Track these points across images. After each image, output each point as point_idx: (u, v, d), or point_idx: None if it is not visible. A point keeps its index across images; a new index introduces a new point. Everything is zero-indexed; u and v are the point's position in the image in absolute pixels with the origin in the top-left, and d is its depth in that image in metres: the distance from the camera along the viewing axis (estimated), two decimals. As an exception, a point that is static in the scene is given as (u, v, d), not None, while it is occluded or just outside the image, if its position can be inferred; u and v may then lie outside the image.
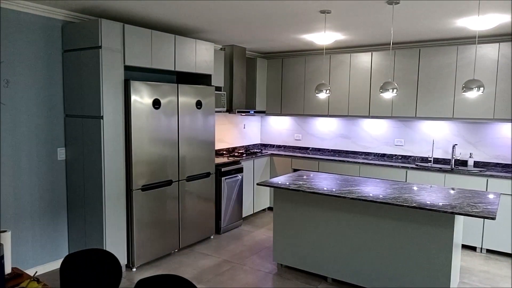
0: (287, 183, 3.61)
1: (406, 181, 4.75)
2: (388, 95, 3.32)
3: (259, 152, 5.90)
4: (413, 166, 4.77)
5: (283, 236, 3.75)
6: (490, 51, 4.40)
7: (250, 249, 4.36)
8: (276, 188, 3.58)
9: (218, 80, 5.11)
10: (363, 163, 5.07)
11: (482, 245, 4.34)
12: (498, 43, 4.36)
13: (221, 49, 5.38)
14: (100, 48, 3.44)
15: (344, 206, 3.39)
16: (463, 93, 3.10)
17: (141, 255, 3.82)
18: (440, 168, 4.60)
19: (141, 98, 3.74)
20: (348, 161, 5.19)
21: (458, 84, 4.60)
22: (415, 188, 3.51)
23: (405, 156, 5.32)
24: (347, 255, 3.41)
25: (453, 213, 2.70)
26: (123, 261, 3.72)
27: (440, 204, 2.90)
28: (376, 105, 5.18)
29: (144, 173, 3.80)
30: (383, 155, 5.49)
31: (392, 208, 3.15)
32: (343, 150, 5.83)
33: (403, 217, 3.11)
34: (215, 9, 3.53)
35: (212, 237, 4.72)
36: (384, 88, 3.31)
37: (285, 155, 5.76)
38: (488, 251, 4.35)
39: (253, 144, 6.49)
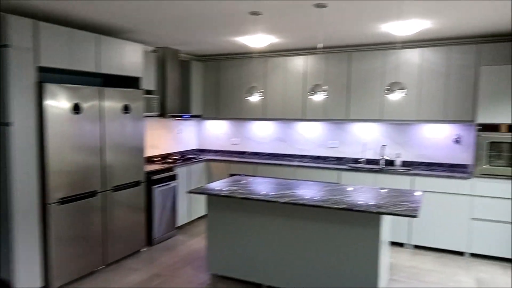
0: (221, 189, 3.49)
1: (339, 182, 4.85)
2: (318, 97, 3.33)
3: (195, 157, 5.72)
4: (346, 167, 4.88)
5: (217, 244, 3.62)
6: (413, 55, 4.64)
7: (184, 260, 4.17)
8: (208, 195, 3.45)
9: (149, 83, 4.87)
10: (298, 166, 5.10)
11: (409, 241, 4.54)
12: (420, 48, 4.61)
13: (153, 51, 5.14)
14: (7, 47, 3.08)
15: (277, 211, 3.34)
16: (386, 95, 3.20)
17: (60, 275, 3.48)
18: (371, 168, 4.76)
19: (58, 102, 3.42)
20: (284, 165, 5.19)
21: (384, 89, 4.79)
22: (346, 189, 3.56)
23: (339, 157, 5.44)
24: (282, 261, 3.36)
25: (379, 213, 2.75)
26: (36, 283, 3.35)
27: (367, 204, 2.95)
28: (310, 108, 5.24)
29: (63, 185, 3.47)
30: (318, 157, 5.58)
31: (323, 210, 3.15)
32: (280, 154, 5.84)
33: (334, 219, 3.13)
34: (138, 9, 3.33)
35: (143, 249, 4.45)
36: (313, 90, 3.32)
37: (222, 160, 5.64)
38: (415, 246, 4.55)
39: (189, 150, 6.29)
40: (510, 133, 4.01)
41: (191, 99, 5.75)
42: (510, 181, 4.04)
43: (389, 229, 3.66)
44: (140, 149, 4.31)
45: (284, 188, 3.62)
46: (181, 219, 5.21)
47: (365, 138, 5.26)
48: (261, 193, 3.37)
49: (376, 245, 2.98)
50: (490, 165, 4.11)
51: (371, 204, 2.95)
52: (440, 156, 4.88)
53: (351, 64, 4.97)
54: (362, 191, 3.49)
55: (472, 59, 4.37)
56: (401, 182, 4.52)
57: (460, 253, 4.35)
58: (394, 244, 4.62)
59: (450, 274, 3.83)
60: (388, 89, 3.03)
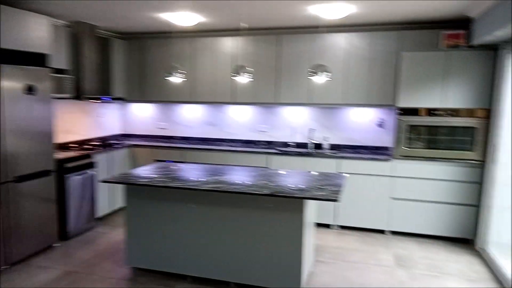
0: (140, 177, 3.23)
1: (268, 167, 4.80)
2: (242, 79, 3.18)
3: (118, 143, 5.33)
4: (275, 151, 4.84)
5: (137, 236, 3.38)
6: (340, 40, 4.67)
7: (103, 254, 3.86)
8: (124, 184, 3.17)
9: (61, 61, 4.37)
10: (228, 150, 4.96)
11: (335, 222, 4.65)
12: (347, 33, 4.64)
13: (66, 26, 4.61)
14: None
15: (199, 199, 3.18)
16: (311, 77, 3.14)
17: (-51, 280, 3.02)
18: (299, 152, 4.76)
19: None
20: (213, 149, 5.02)
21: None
22: (272, 174, 3.49)
23: (269, 141, 5.39)
24: (206, 250, 3.22)
25: (301, 198, 2.71)
26: None
27: (290, 189, 2.90)
28: (239, 91, 5.09)
29: None
30: (249, 141, 5.48)
31: (247, 196, 3.05)
32: (210, 138, 5.65)
33: (258, 205, 3.04)
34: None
35: (56, 245, 4.05)
36: (236, 71, 3.16)
37: (147, 145, 5.31)
38: (341, 227, 4.68)
39: (112, 135, 5.85)
40: (426, 117, 4.21)
41: (112, 80, 5.31)
42: (426, 162, 4.26)
43: (315, 211, 3.68)
44: (48, 134, 3.86)
45: (210, 174, 3.45)
46: (102, 210, 4.84)
47: (294, 122, 5.26)
48: (184, 180, 3.18)
49: (300, 229, 2.95)
50: (409, 147, 4.30)
51: (294, 189, 2.90)
52: (365, 139, 5.02)
53: (280, 47, 4.89)
54: (288, 175, 3.44)
55: (394, 45, 4.50)
56: (328, 165, 4.58)
57: (382, 231, 4.54)
58: (321, 225, 4.70)
59: (372, 252, 3.98)
60: (312, 72, 2.96)
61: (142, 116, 5.96)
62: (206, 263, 3.23)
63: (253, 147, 5.16)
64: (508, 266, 3.37)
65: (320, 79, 3.02)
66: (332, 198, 2.64)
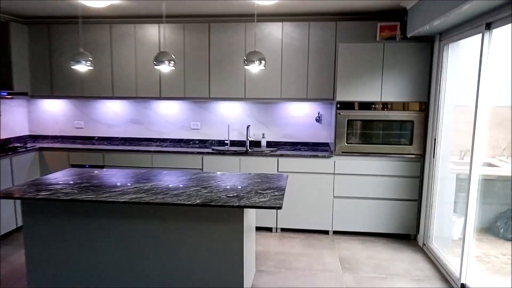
0: (43, 187, 2.61)
1: (202, 167, 4.35)
2: (165, 68, 2.70)
3: (22, 146, 4.51)
4: (209, 151, 4.39)
5: (40, 260, 2.75)
6: (275, 30, 4.34)
7: (4, 280, 3.14)
8: (14, 199, 2.54)
9: None
10: (156, 151, 4.41)
11: (277, 225, 4.35)
12: (282, 23, 4.33)
13: None
14: None
15: (116, 212, 2.64)
16: (245, 67, 2.76)
17: None
18: (236, 151, 4.37)
19: None
20: (139, 151, 4.44)
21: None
22: (205, 178, 3.05)
23: (203, 140, 4.94)
24: (129, 270, 2.70)
25: (239, 207, 2.31)
26: None
27: (227, 196, 2.49)
28: (167, 85, 4.56)
29: None
30: (180, 140, 4.97)
31: (175, 207, 2.58)
32: (136, 138, 5.04)
33: (189, 215, 2.59)
34: None
35: None
36: (158, 60, 2.68)
37: (61, 148, 4.57)
38: (282, 229, 4.38)
39: (17, 137, 4.98)
40: (365, 111, 4.05)
41: (12, 72, 4.47)
42: (367, 157, 4.11)
43: (255, 215, 3.31)
44: None
45: (133, 180, 2.92)
46: (5, 226, 4.04)
47: (230, 118, 4.86)
48: (100, 189, 2.62)
49: (240, 241, 2.56)
50: (349, 143, 4.12)
51: (231, 196, 2.50)
52: (304, 135, 4.78)
53: (211, 36, 4.44)
54: (224, 179, 3.03)
55: (332, 36, 4.28)
56: (267, 164, 4.25)
57: (326, 232, 4.32)
58: (262, 229, 4.36)
59: (317, 256, 3.72)
60: (247, 60, 2.58)
61: (54, 114, 5.15)
62: (129, 284, 2.71)
63: (185, 147, 4.66)
64: (455, 263, 3.29)
65: (255, 68, 2.66)
66: (275, 206, 2.28)
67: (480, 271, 3.48)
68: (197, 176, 3.13)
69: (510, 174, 4.14)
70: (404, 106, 4.00)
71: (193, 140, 4.95)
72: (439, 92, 3.69)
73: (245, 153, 4.30)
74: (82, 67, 2.88)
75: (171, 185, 2.79)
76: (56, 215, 2.69)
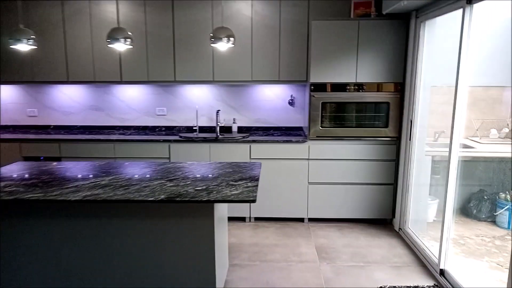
0: (-23, 189, 2.27)
1: (169, 157, 4.07)
2: (120, 46, 2.39)
3: (-34, 138, 4.06)
4: (177, 138, 4.11)
5: (-15, 269, 2.43)
6: (244, 7, 4.06)
7: None
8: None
9: None
10: (118, 140, 4.08)
11: (250, 215, 4.16)
12: (251, 1, 4.05)
13: None
14: None
15: (71, 212, 2.35)
16: (212, 45, 2.49)
17: None
18: (205, 138, 4.11)
19: None
20: (99, 140, 4.09)
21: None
22: (172, 169, 2.79)
23: (169, 126, 4.63)
24: (90, 274, 2.43)
25: (209, 202, 2.08)
26: None
27: (195, 190, 2.25)
28: (129, 68, 4.20)
29: None
30: (145, 127, 4.64)
31: (137, 204, 2.32)
32: (96, 126, 4.67)
33: (154, 212, 2.34)
34: None
35: None
36: (112, 37, 2.36)
37: (10, 139, 4.15)
38: (256, 219, 4.20)
39: (-40, 128, 4.50)
40: (339, 93, 3.87)
41: (-51, 55, 3.97)
42: (342, 141, 3.96)
43: (227, 207, 3.09)
44: None
45: (89, 174, 2.62)
46: None
47: (198, 102, 4.57)
48: (52, 185, 2.31)
49: (211, 237, 2.34)
50: (324, 127, 3.95)
51: (200, 190, 2.26)
52: (277, 120, 4.57)
53: (175, 13, 4.10)
54: (192, 169, 2.78)
55: (304, 14, 4.04)
56: (238, 151, 4.02)
57: (301, 220, 4.18)
58: (234, 219, 4.16)
59: (293, 246, 3.57)
60: (214, 37, 2.31)
61: (4, 101, 4.68)
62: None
63: (151, 135, 4.35)
64: (432, 248, 3.22)
65: (223, 45, 2.40)
66: (249, 199, 2.07)
67: (456, 254, 3.44)
68: (162, 167, 2.86)
69: (483, 155, 4.12)
70: (380, 87, 3.86)
71: (159, 127, 4.64)
72: (415, 72, 3.55)
73: (215, 140, 4.05)
74: (24, 47, 2.51)
75: (132, 179, 2.51)
76: (3, 217, 2.36)
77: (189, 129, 4.60)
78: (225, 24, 4.03)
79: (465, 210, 4.28)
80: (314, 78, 3.87)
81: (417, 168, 3.73)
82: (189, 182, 2.41)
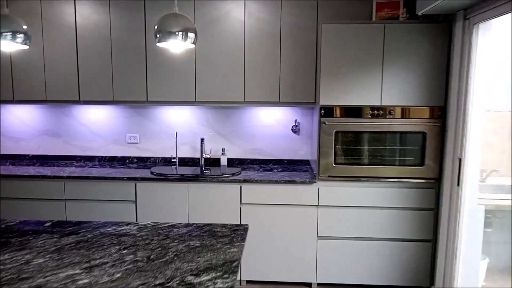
0: None
1: (136, 199, 3.12)
2: (9, 45, 1.47)
3: None
4: (147, 175, 3.16)
5: None
6: (236, 9, 3.16)
7: None
8: None
9: None
10: (69, 177, 3.14)
11: (240, 277, 3.16)
12: (244, 0, 3.17)
13: None
14: None
15: None
16: (158, 44, 1.57)
17: None
18: (183, 175, 3.15)
19: None
20: (48, 176, 3.16)
21: (199, 55, 3.22)
22: (105, 238, 1.82)
23: (143, 158, 3.70)
24: None
25: None
26: None
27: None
28: (89, 84, 3.31)
29: None
30: (112, 158, 3.71)
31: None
32: (52, 156, 3.75)
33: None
34: None
35: None
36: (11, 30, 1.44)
37: None
38: (249, 282, 3.20)
39: None
40: (357, 120, 2.93)
41: None
42: (362, 184, 2.99)
43: None
44: None
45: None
46: None
47: (178, 128, 3.64)
48: None
49: None
50: (337, 164, 2.98)
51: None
52: (277, 151, 3.62)
53: (147, 16, 3.22)
54: (137, 240, 1.81)
55: (311, 17, 3.14)
56: (226, 193, 3.07)
57: (308, 285, 3.17)
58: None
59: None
60: (160, 32, 1.39)
61: None
62: None
63: (118, 168, 3.42)
64: None
65: (177, 45, 1.49)
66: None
67: None
68: (92, 235, 1.89)
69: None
70: (412, 113, 2.90)
71: (129, 158, 3.71)
72: (465, 92, 2.60)
73: (196, 179, 3.09)
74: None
75: (30, 263, 1.55)
76: None
77: (167, 161, 3.66)
78: (212, 30, 3.13)
79: (522, 272, 3.26)
80: (325, 100, 2.93)
81: (467, 221, 2.74)
82: (117, 275, 1.43)
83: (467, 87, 2.57)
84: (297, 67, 3.19)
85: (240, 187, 3.06)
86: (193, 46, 1.72)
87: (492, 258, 3.30)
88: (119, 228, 1.89)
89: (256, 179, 3.05)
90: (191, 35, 1.54)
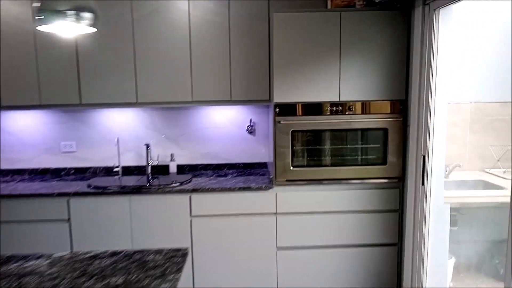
0: None
1: (69, 218, 2.72)
2: None
3: None
4: (81, 189, 2.77)
5: None
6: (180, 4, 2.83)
7: None
8: None
9: None
10: (-12, 196, 2.70)
11: (194, 298, 2.84)
12: (187, -13, 2.83)
13: None
14: None
15: None
16: (40, 27, 1.23)
17: None
18: (124, 187, 2.79)
19: None
20: (-39, 196, 2.69)
21: (139, 51, 2.86)
22: None
23: (81, 168, 3.28)
24: None
25: None
26: None
27: None
28: (11, 85, 2.86)
29: None
30: (45, 170, 3.27)
31: None
32: (-27, 171, 3.26)
33: None
34: None
35: None
36: None
37: None
38: (204, 302, 2.89)
39: None
40: (315, 117, 2.68)
41: None
42: (322, 187, 2.75)
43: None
44: None
45: None
46: None
47: (120, 133, 3.26)
48: None
49: None
50: (295, 166, 2.73)
51: None
52: (232, 154, 3.32)
53: (76, 6, 2.81)
54: (42, 281, 1.45)
55: (263, 6, 2.85)
56: (174, 205, 2.74)
57: (266, 300, 2.90)
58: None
59: None
60: (43, 10, 1.05)
61: None
62: None
63: (52, 181, 3.00)
64: None
65: (69, 27, 1.16)
66: None
67: None
68: None
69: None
70: (373, 108, 2.69)
71: (66, 169, 3.28)
72: (428, 83, 2.41)
73: (138, 191, 2.73)
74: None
75: None
76: None
77: (110, 170, 3.27)
78: (152, 22, 2.79)
79: (487, 268, 3.17)
80: (280, 97, 2.66)
81: (433, 220, 2.57)
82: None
83: (429, 78, 2.38)
84: (249, 62, 2.90)
85: (190, 198, 2.74)
86: (94, 30, 1.36)
87: (458, 257, 3.18)
88: (26, 264, 1.52)
89: (207, 187, 2.74)
90: (86, 15, 1.18)
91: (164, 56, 2.86)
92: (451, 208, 2.81)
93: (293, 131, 2.69)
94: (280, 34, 2.61)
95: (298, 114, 2.67)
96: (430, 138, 2.43)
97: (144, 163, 3.26)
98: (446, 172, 3.06)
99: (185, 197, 2.73)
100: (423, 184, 2.47)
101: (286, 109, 2.67)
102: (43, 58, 2.83)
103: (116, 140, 3.16)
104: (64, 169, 3.28)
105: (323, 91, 2.65)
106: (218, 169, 3.30)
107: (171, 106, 3.11)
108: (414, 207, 2.59)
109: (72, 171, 3.27)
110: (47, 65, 2.83)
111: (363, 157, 2.73)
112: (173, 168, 3.24)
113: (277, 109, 2.67)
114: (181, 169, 3.28)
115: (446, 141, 2.60)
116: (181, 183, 2.84)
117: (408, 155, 2.64)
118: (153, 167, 3.22)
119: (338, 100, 2.66)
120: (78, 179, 3.11)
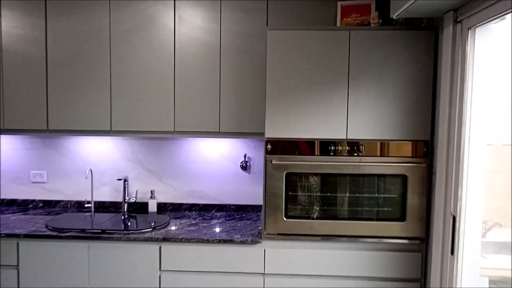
0: None
1: (18, 264, 2.29)
2: None
3: None
4: (32, 231, 2.35)
5: None
6: (162, 11, 2.45)
7: None
8: None
9: None
10: None
11: None
12: (173, 1, 2.45)
13: None
14: None
15: None
16: None
17: None
18: (84, 231, 2.34)
19: None
20: None
21: (116, 72, 2.48)
22: None
23: (51, 201, 2.88)
24: None
25: None
26: None
27: None
28: (-30, 107, 2.53)
29: None
30: (12, 202, 2.90)
31: None
32: None
33: None
34: None
35: None
36: None
37: None
38: None
39: None
40: (316, 158, 2.17)
41: None
42: (318, 244, 2.20)
43: None
44: None
45: None
46: None
47: (95, 163, 2.85)
48: None
49: None
50: (288, 217, 2.20)
51: None
52: (223, 193, 2.84)
53: (49, 21, 2.49)
54: None
55: (259, 23, 2.43)
56: (141, 257, 2.26)
57: None
58: None
59: None
60: None
61: None
62: None
63: (19, 214, 2.60)
64: None
65: None
66: None
67: None
68: None
69: None
70: (389, 149, 2.15)
71: (34, 201, 2.89)
72: (460, 120, 1.86)
73: (98, 237, 2.28)
74: None
75: None
76: None
77: (82, 205, 2.85)
78: (132, 39, 2.41)
79: None
80: (272, 132, 2.18)
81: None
82: None
83: (461, 113, 1.84)
84: (242, 88, 2.45)
85: (160, 248, 2.25)
86: None
87: None
88: None
89: (180, 237, 2.25)
90: None
91: (144, 78, 2.46)
92: (489, 281, 2.19)
93: (287, 174, 2.18)
94: (274, 56, 2.15)
95: (294, 153, 2.17)
96: (463, 192, 1.86)
97: (121, 199, 2.82)
98: (483, 231, 2.45)
99: (154, 247, 2.26)
100: (452, 253, 1.88)
101: (280, 147, 2.17)
102: (9, 78, 2.49)
103: (88, 171, 2.74)
104: (33, 201, 2.89)
105: (326, 126, 2.14)
106: (205, 210, 2.82)
107: (150, 136, 2.68)
108: (440, 280, 1.99)
109: (41, 204, 2.88)
110: (13, 85, 2.49)
111: (375, 209, 2.18)
112: (152, 207, 2.78)
113: (269, 146, 2.18)
114: (163, 207, 2.82)
115: (484, 194, 2.02)
116: (153, 228, 2.37)
117: (433, 212, 2.06)
118: (131, 204, 2.78)
119: (345, 137, 2.15)
120: (46, 213, 2.71)
